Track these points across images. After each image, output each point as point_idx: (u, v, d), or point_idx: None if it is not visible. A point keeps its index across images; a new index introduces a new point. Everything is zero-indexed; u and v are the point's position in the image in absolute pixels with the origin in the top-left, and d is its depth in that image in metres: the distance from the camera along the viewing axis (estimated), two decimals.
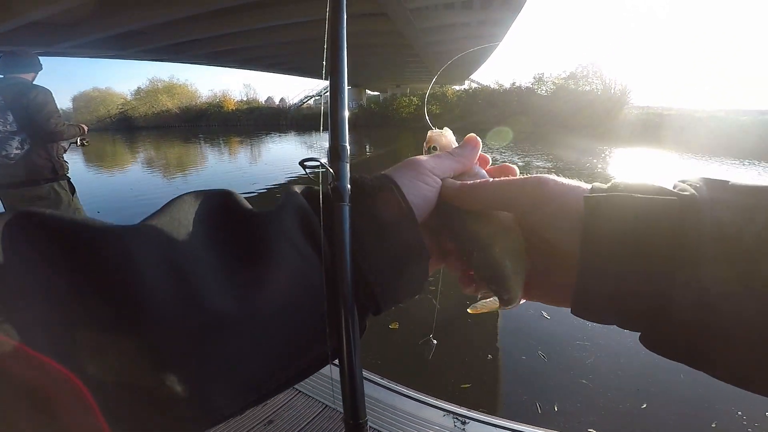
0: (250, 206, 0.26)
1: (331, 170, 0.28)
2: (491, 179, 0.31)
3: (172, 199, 0.24)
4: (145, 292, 0.19)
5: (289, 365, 0.25)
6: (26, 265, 0.17)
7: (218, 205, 0.25)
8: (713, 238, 0.22)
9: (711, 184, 0.24)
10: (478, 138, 0.34)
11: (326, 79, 0.31)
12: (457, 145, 0.35)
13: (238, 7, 11.90)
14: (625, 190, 0.25)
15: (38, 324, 0.17)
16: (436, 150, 0.34)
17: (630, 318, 0.25)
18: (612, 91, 22.97)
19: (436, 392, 1.70)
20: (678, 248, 0.22)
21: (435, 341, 0.38)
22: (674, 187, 0.25)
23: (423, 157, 0.32)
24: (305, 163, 0.28)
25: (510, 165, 0.35)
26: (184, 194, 0.25)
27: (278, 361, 0.24)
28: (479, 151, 0.34)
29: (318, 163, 0.28)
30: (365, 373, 1.57)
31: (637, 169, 10.89)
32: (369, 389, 1.63)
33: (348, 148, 0.29)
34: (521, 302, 0.32)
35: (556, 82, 26.32)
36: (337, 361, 0.26)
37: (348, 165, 0.28)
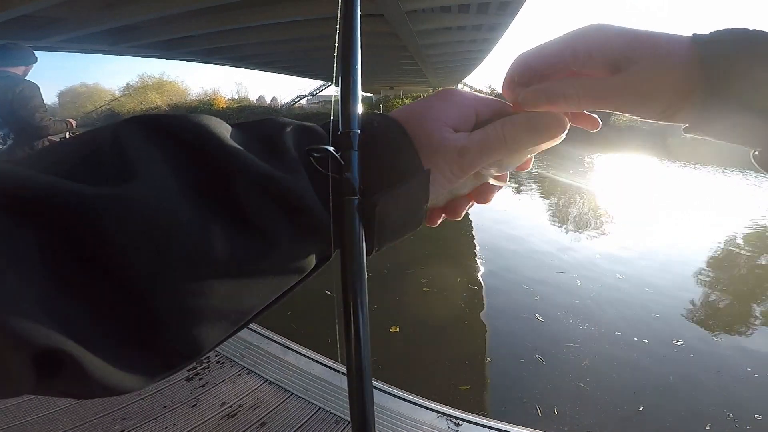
0: (227, 143, 0.22)
1: (341, 160, 0.25)
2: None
3: (120, 137, 0.20)
4: (128, 245, 0.18)
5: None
6: None
7: (195, 150, 0.21)
8: None
9: None
10: (567, 126, 0.27)
11: (337, 61, 0.29)
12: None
13: (232, 5, 11.82)
14: None
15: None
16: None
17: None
18: None
19: (433, 394, 1.68)
20: None
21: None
22: None
23: (470, 147, 0.27)
24: (313, 153, 0.25)
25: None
26: (135, 125, 0.21)
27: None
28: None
29: (327, 152, 0.25)
30: None
31: (625, 174, 11.11)
32: None
33: (359, 134, 0.27)
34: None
35: None
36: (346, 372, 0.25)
37: (358, 154, 0.26)
